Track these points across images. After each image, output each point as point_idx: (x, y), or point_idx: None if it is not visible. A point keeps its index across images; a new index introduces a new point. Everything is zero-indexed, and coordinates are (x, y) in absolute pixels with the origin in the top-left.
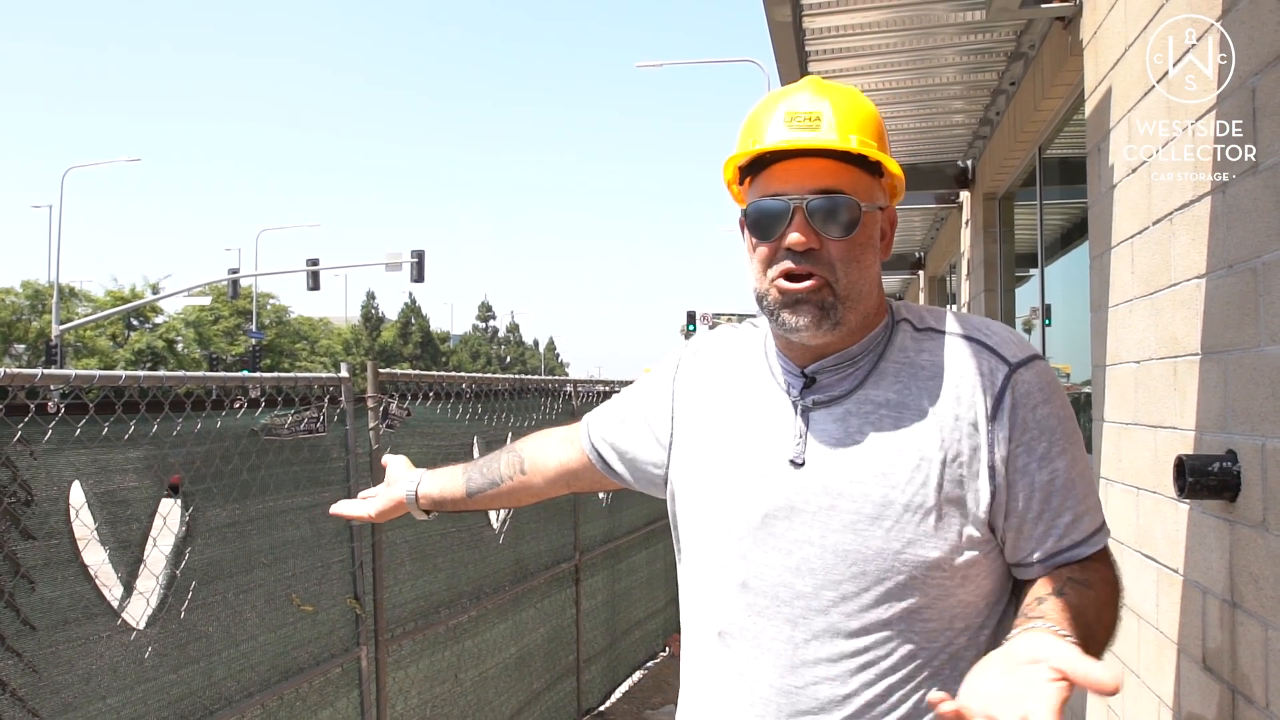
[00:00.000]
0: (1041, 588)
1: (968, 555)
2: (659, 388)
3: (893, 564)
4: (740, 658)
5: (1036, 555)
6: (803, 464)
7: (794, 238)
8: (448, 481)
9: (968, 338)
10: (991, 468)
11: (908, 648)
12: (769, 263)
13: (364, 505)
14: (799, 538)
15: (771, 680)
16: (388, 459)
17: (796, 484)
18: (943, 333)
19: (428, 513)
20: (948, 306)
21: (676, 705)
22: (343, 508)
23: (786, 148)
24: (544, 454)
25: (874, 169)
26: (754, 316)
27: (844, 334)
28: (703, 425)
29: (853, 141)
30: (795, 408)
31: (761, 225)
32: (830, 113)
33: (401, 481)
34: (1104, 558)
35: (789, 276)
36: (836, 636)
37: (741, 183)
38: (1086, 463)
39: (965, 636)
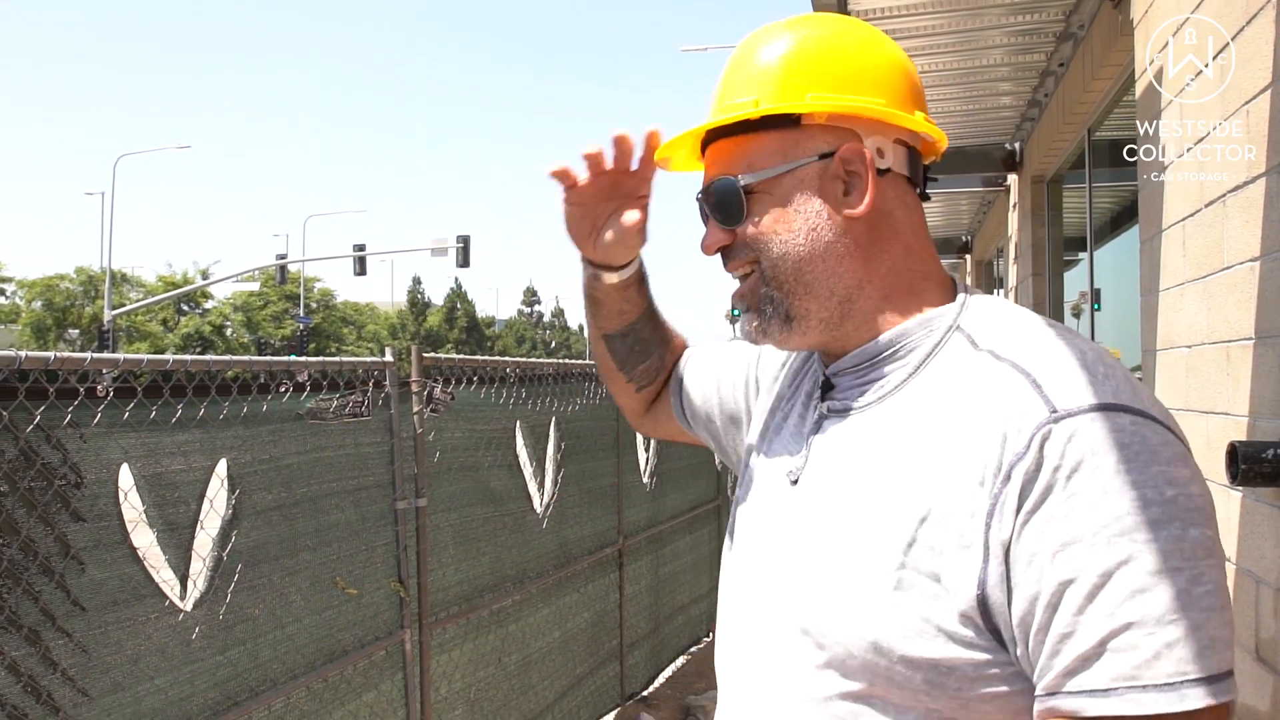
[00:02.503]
0: None
1: (933, 653)
2: (740, 366)
3: (852, 627)
4: (729, 691)
5: (1039, 687)
6: (797, 482)
7: (703, 242)
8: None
9: (1019, 369)
10: (987, 546)
11: None
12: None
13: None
14: (778, 560)
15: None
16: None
17: (790, 505)
18: (998, 357)
19: (619, 270)
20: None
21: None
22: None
23: (668, 156)
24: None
25: (787, 119)
26: None
27: (826, 328)
28: (757, 430)
29: (717, 119)
30: (814, 415)
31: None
32: (723, 77)
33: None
34: None
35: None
36: (794, 672)
37: None
38: (1158, 579)
39: None
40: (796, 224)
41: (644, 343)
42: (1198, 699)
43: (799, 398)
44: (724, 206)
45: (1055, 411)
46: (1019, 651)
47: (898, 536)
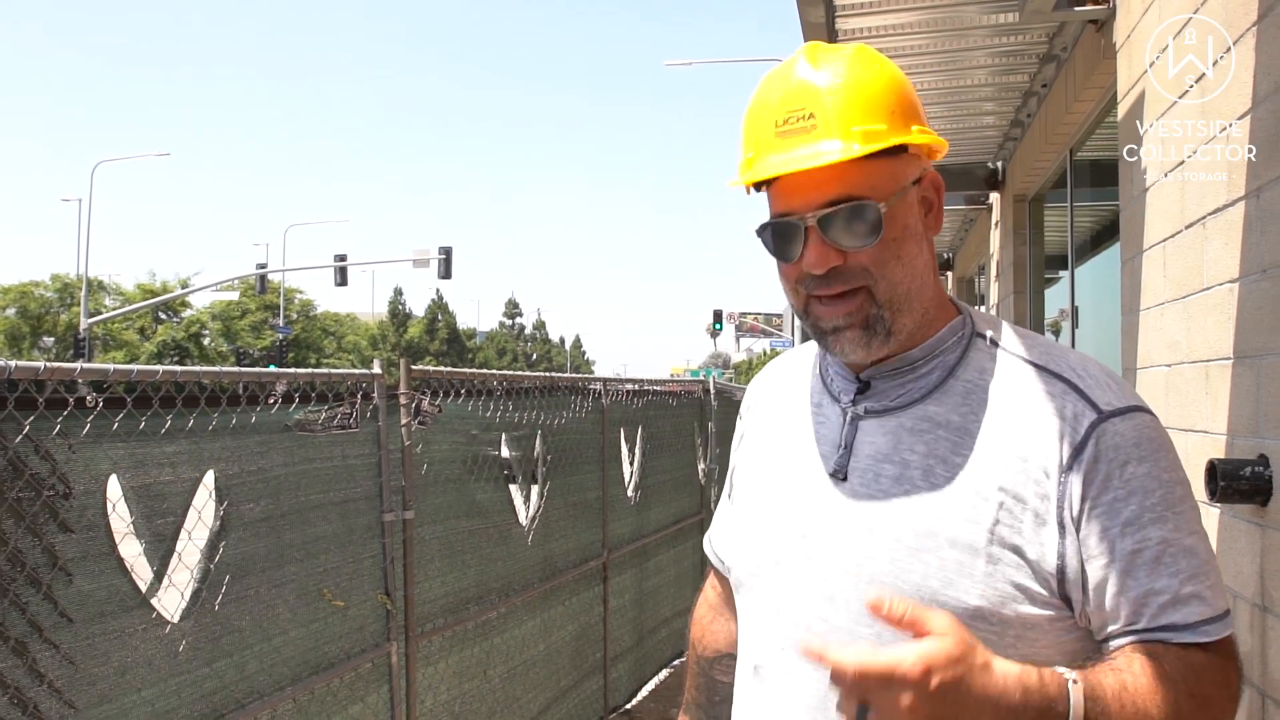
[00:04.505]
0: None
1: (1021, 611)
2: (734, 445)
3: (929, 604)
4: (773, 694)
5: (1112, 628)
6: (845, 478)
7: (810, 260)
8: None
9: (1057, 375)
10: (1061, 524)
11: None
12: (796, 281)
13: None
14: (835, 562)
15: None
16: None
17: (836, 501)
18: (1030, 362)
19: None
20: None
21: None
22: None
23: (776, 175)
24: (715, 625)
25: (896, 148)
26: (778, 316)
27: (902, 340)
28: (755, 453)
29: (855, 149)
30: (844, 416)
31: (779, 248)
32: (828, 104)
33: None
34: (1215, 656)
35: (822, 300)
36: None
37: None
38: (1197, 538)
39: None
40: (910, 247)
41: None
42: (1230, 625)
43: (803, 408)
44: (855, 227)
45: (1101, 413)
46: (1087, 607)
47: (982, 520)
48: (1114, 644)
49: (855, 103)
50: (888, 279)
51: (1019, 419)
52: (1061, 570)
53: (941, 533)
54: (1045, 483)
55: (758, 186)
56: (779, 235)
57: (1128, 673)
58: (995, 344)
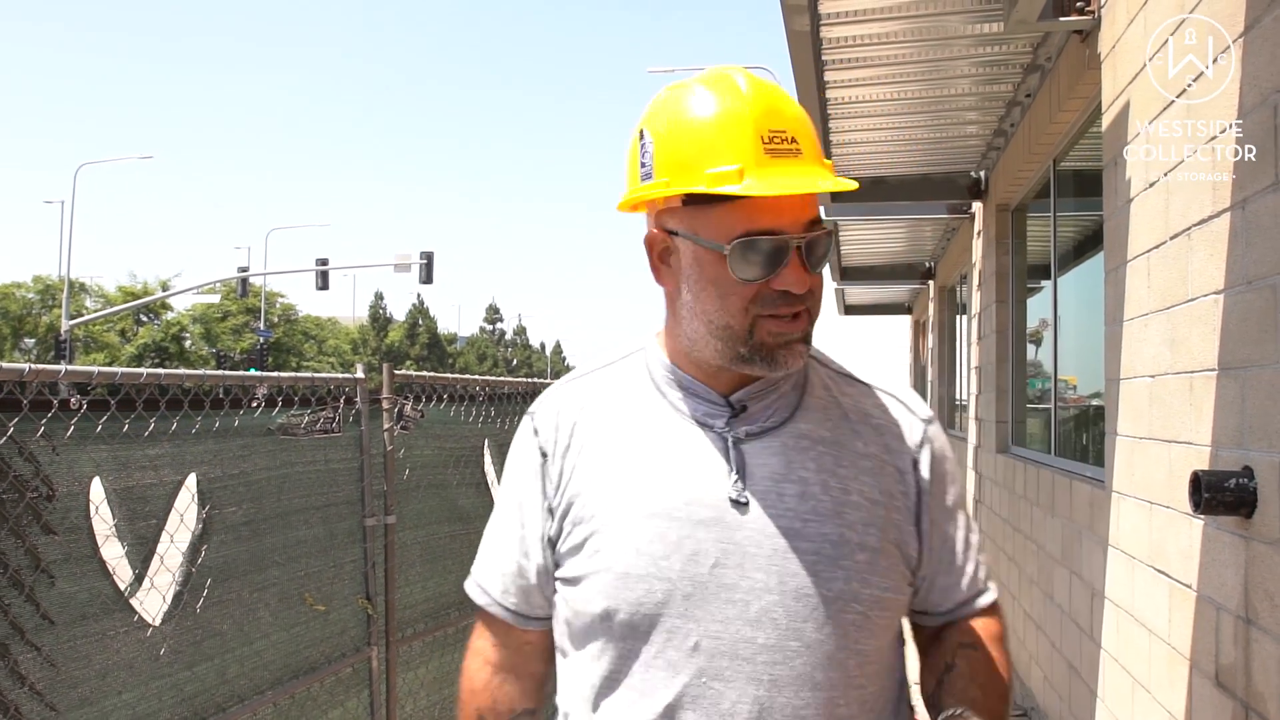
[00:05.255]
0: (942, 654)
1: (901, 598)
2: (530, 478)
3: (851, 604)
4: (735, 668)
5: (945, 605)
6: (746, 503)
7: (793, 280)
8: None
9: (879, 389)
10: (918, 515)
11: (863, 692)
12: (750, 300)
13: None
14: (755, 586)
15: None
16: None
17: (743, 525)
18: (859, 381)
19: None
20: (961, 315)
21: None
22: None
23: (791, 192)
24: (506, 685)
25: None
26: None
27: None
28: (597, 489)
29: (829, 182)
30: (725, 441)
31: (750, 263)
32: (802, 131)
33: None
34: (997, 610)
35: (779, 318)
36: (803, 688)
37: (690, 202)
38: (971, 516)
39: (891, 679)
40: None
41: None
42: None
43: (653, 435)
44: (824, 252)
45: (922, 419)
46: (920, 586)
47: (875, 522)
48: (941, 617)
49: (813, 134)
50: (817, 300)
51: (871, 429)
52: (920, 555)
53: (852, 539)
54: (904, 482)
55: (720, 198)
56: (759, 252)
57: (969, 679)
58: (825, 365)
